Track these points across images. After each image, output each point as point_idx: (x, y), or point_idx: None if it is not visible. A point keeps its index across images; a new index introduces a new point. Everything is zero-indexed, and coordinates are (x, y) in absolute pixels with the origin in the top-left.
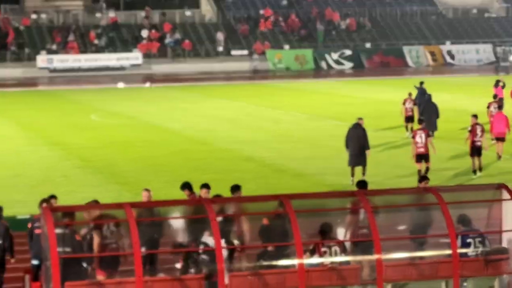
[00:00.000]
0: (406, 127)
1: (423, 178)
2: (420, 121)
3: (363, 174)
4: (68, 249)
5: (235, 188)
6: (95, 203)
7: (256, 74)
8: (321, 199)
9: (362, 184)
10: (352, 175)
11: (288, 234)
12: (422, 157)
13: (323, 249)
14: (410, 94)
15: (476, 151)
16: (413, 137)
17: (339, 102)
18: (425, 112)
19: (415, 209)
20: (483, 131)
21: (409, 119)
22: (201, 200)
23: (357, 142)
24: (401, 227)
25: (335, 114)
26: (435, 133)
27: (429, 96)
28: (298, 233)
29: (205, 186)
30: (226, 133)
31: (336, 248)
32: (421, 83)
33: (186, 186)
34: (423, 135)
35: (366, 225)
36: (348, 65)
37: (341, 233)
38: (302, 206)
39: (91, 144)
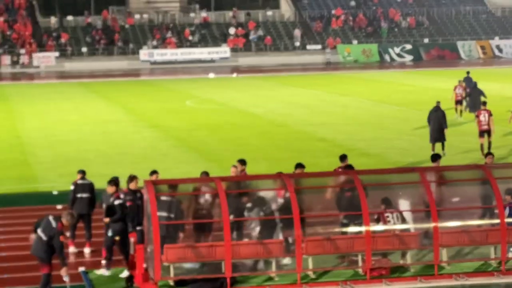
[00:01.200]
0: (456, 110)
1: (488, 154)
2: (484, 103)
3: (442, 148)
4: (172, 215)
5: (299, 166)
6: (205, 175)
7: (328, 66)
8: (385, 175)
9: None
10: (433, 149)
11: (357, 205)
12: (485, 133)
13: (387, 218)
14: (460, 81)
15: None
16: (477, 116)
17: (400, 90)
18: (471, 97)
19: (468, 183)
20: None
21: (458, 102)
22: (281, 176)
23: (437, 122)
24: (455, 199)
25: (397, 100)
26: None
27: (475, 83)
28: (366, 204)
29: (300, 165)
30: (302, 117)
31: (398, 216)
32: (468, 72)
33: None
34: (486, 115)
35: (425, 198)
36: (408, 58)
37: (403, 204)
38: (368, 181)
39: (186, 126)
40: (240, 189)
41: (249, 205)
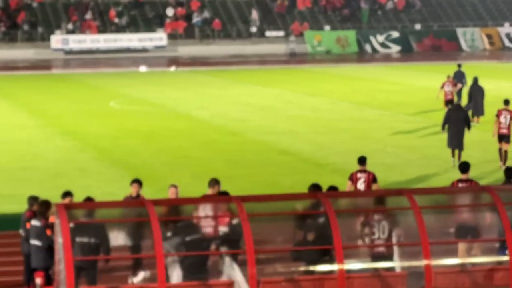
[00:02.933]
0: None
1: (507, 171)
2: (506, 102)
3: (459, 158)
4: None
5: (214, 182)
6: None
7: (293, 58)
8: (363, 198)
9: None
10: (453, 155)
11: (327, 236)
12: (503, 138)
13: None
14: (449, 77)
15: None
16: (498, 116)
17: (385, 89)
18: (473, 97)
19: (468, 209)
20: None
21: (448, 102)
22: (232, 199)
23: (459, 124)
24: (453, 230)
25: (381, 102)
26: (481, 118)
27: (475, 78)
28: (338, 234)
29: (215, 182)
30: (260, 122)
31: (384, 227)
32: (459, 65)
33: (216, 182)
34: (508, 116)
35: (414, 228)
36: (395, 48)
37: (384, 235)
38: (342, 206)
39: (110, 133)
40: (182, 215)
41: (169, 234)
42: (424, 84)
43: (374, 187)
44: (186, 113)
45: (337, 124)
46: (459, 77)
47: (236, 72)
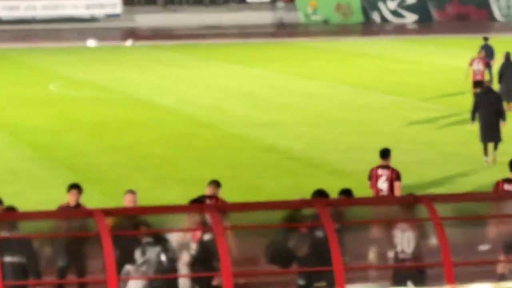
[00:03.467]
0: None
1: None
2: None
3: (494, 149)
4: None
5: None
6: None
7: (282, 30)
8: (371, 206)
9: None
10: (486, 153)
11: (325, 255)
12: None
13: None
14: (479, 52)
15: None
16: None
17: (397, 69)
18: (504, 77)
19: (500, 222)
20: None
21: (477, 84)
22: (205, 208)
23: (490, 110)
24: (483, 247)
25: (392, 86)
26: None
27: (508, 55)
28: (339, 253)
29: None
30: (240, 112)
31: (409, 239)
32: (485, 38)
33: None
34: None
35: (435, 244)
36: (410, 17)
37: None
38: (345, 216)
39: (49, 126)
40: (138, 226)
41: (129, 252)
42: (446, 63)
43: (396, 186)
44: (146, 100)
45: (336, 114)
46: (487, 52)
47: (210, 47)
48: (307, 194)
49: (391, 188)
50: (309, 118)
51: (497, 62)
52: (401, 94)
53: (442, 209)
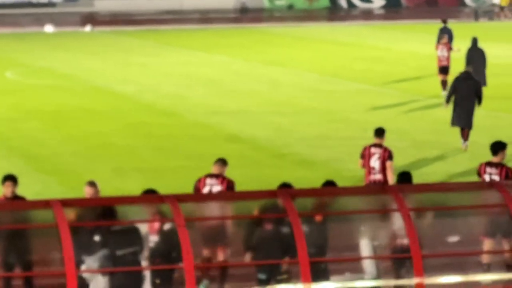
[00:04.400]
0: (442, 83)
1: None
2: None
3: (466, 138)
4: None
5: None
6: None
7: (245, 15)
8: (337, 197)
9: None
10: (463, 136)
11: (289, 248)
12: None
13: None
14: (443, 38)
15: None
16: None
17: (365, 56)
18: (472, 62)
19: (473, 212)
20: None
21: (443, 70)
22: (165, 199)
23: (468, 96)
24: (452, 238)
25: (359, 74)
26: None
27: (475, 40)
28: (304, 247)
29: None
30: (202, 100)
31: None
32: (444, 21)
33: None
34: None
35: (403, 236)
36: (378, 2)
37: (365, 247)
38: (309, 208)
39: (6, 114)
40: (100, 218)
41: (91, 244)
42: (414, 49)
43: (388, 165)
44: (106, 88)
45: (302, 102)
46: (447, 35)
47: (171, 33)
48: (273, 185)
49: (383, 167)
50: (274, 106)
51: (459, 48)
52: (369, 81)
53: (411, 200)
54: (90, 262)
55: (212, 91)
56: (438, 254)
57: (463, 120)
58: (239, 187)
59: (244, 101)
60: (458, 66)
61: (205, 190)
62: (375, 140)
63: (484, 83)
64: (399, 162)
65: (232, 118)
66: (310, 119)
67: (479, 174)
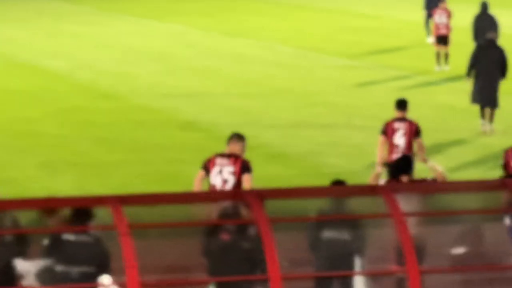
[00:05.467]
0: (437, 55)
1: None
2: None
3: (490, 119)
4: None
5: None
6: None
7: None
8: (316, 199)
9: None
10: (483, 116)
11: (256, 259)
12: None
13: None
14: (443, 2)
15: None
16: None
17: (349, 26)
18: (478, 31)
19: (482, 217)
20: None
21: (441, 40)
22: (105, 200)
23: (491, 69)
24: (458, 250)
25: (342, 47)
26: None
27: (484, 4)
28: (275, 258)
29: None
30: (151, 79)
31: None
32: None
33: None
34: None
35: (397, 247)
36: None
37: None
38: (283, 211)
39: None
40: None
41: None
42: (409, 18)
43: (417, 144)
44: (32, 64)
45: (274, 82)
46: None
47: None
48: None
49: (409, 144)
50: (240, 87)
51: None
52: (356, 57)
53: (407, 203)
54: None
55: (163, 68)
56: (436, 270)
57: (485, 97)
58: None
59: (203, 80)
60: (461, 36)
61: (215, 171)
62: (397, 114)
63: None
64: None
65: (187, 101)
66: (284, 102)
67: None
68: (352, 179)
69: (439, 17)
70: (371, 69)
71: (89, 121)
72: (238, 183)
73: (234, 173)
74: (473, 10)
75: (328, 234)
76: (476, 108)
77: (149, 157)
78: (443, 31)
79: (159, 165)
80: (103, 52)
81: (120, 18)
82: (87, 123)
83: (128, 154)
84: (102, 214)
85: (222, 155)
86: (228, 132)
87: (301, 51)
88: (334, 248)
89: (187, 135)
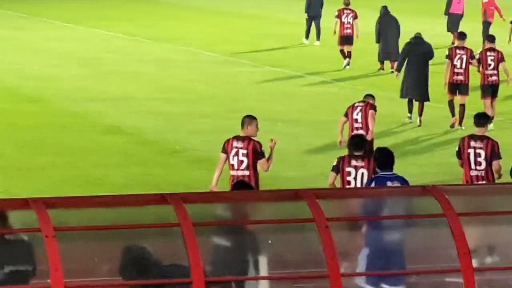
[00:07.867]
0: (342, 53)
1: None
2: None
3: (420, 113)
4: None
5: None
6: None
7: None
8: (246, 203)
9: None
10: (410, 111)
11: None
12: (457, 87)
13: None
14: (345, 3)
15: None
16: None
17: (272, 33)
18: (380, 31)
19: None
20: (497, 60)
21: (345, 40)
22: (31, 203)
23: (420, 63)
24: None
25: (265, 53)
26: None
27: (385, 8)
28: (199, 262)
29: None
30: (76, 83)
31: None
32: None
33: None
34: (464, 57)
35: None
36: None
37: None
38: (205, 215)
39: None
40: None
41: None
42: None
43: (370, 117)
44: None
45: (198, 88)
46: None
47: (38, 2)
48: (161, 187)
49: (365, 120)
50: (163, 92)
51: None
52: (279, 63)
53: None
54: None
55: (88, 72)
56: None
57: (416, 91)
58: (120, 189)
59: (127, 85)
60: (364, 38)
61: (232, 153)
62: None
63: (396, 56)
64: (315, 161)
65: (112, 105)
66: (208, 108)
67: (461, 149)
68: (281, 184)
69: (345, 15)
70: (294, 75)
71: (13, 124)
72: (251, 164)
73: (247, 155)
74: (374, 15)
75: (217, 240)
76: None
77: (74, 160)
78: (348, 31)
79: (83, 169)
80: (28, 56)
81: (45, 22)
82: (10, 126)
83: (52, 157)
84: (27, 217)
85: (238, 138)
86: (152, 136)
87: (224, 57)
88: (221, 254)
89: (112, 139)
